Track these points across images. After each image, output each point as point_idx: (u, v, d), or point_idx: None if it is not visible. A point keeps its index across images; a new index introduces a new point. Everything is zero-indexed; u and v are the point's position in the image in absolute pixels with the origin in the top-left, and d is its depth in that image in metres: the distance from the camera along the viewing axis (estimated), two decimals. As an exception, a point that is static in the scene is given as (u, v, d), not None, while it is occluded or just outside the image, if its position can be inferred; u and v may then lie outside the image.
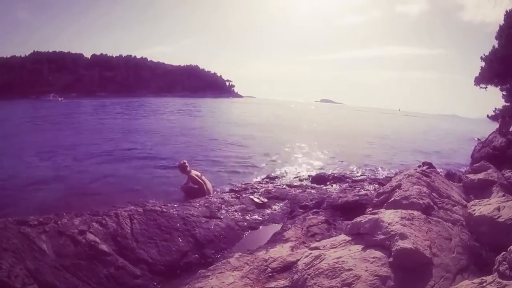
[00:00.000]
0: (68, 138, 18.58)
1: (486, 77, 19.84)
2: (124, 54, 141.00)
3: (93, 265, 4.12)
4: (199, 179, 8.14)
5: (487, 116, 21.11)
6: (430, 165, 9.01)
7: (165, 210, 5.64)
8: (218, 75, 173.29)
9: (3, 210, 7.02)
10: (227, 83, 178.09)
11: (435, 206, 4.53)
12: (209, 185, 8.33)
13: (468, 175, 6.70)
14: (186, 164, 8.32)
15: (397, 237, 3.14)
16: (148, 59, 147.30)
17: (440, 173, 7.54)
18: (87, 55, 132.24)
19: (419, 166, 9.05)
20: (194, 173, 8.31)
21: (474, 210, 4.39)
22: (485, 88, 20.55)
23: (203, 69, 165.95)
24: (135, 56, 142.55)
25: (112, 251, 4.43)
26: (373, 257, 3.06)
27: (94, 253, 4.27)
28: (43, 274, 3.71)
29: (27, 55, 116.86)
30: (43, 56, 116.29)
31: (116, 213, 5.18)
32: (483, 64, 19.74)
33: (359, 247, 3.34)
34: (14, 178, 9.92)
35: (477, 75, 20.51)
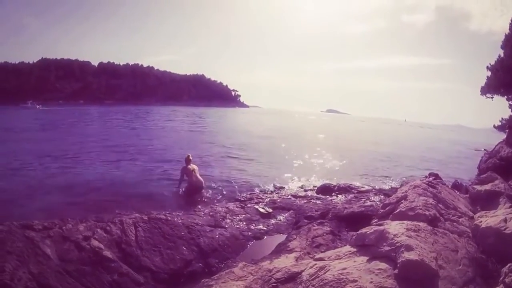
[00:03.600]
0: (69, 145, 18.75)
1: (492, 87, 19.72)
2: (130, 62, 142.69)
3: (97, 271, 4.13)
4: (190, 172, 9.46)
5: (494, 126, 20.92)
6: (436, 176, 8.95)
7: (169, 218, 5.66)
8: (224, 84, 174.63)
9: (8, 214, 7.06)
10: (233, 93, 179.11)
11: (441, 217, 4.50)
12: (195, 177, 9.45)
13: (475, 186, 6.65)
14: (191, 157, 9.84)
15: (403, 249, 3.12)
16: (155, 68, 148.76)
17: (447, 184, 7.49)
18: (94, 62, 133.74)
19: (426, 177, 8.99)
20: (191, 167, 9.61)
21: (480, 221, 4.35)
22: (491, 98, 20.40)
23: (209, 78, 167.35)
24: (142, 65, 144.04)
25: (116, 258, 4.44)
26: (378, 269, 3.04)
27: (98, 259, 4.28)
28: (46, 278, 3.72)
29: (35, 61, 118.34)
30: (51, 63, 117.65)
31: (121, 220, 5.20)
32: (489, 73, 19.64)
33: (364, 258, 3.32)
34: (19, 183, 10.00)
35: (483, 84, 20.40)
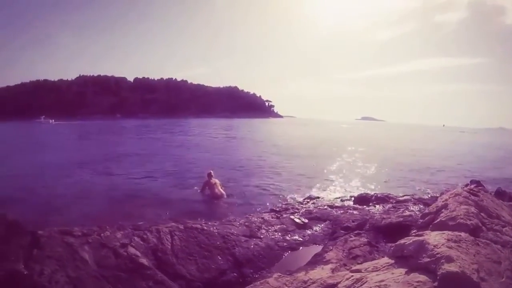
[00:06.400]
0: (104, 155, 19.52)
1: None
2: (166, 76, 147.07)
3: (133, 278, 4.21)
4: (212, 185, 10.62)
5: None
6: (478, 183, 8.59)
7: (205, 228, 5.72)
8: (258, 95, 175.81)
9: (48, 220, 7.43)
10: (267, 103, 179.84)
11: (483, 227, 4.30)
12: (218, 190, 10.61)
13: (520, 194, 6.34)
14: (212, 173, 10.98)
15: (443, 260, 3.02)
16: (189, 81, 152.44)
17: (489, 192, 7.16)
18: (130, 78, 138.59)
19: (467, 185, 8.65)
20: (213, 180, 10.75)
21: (526, 231, 4.14)
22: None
23: (243, 90, 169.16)
24: (175, 79, 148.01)
25: (152, 265, 4.53)
26: (417, 281, 2.95)
27: (134, 266, 4.37)
28: (83, 282, 3.84)
29: (73, 78, 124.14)
30: (88, 80, 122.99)
31: (157, 229, 5.31)
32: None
33: (403, 270, 3.23)
34: (61, 191, 10.51)
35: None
